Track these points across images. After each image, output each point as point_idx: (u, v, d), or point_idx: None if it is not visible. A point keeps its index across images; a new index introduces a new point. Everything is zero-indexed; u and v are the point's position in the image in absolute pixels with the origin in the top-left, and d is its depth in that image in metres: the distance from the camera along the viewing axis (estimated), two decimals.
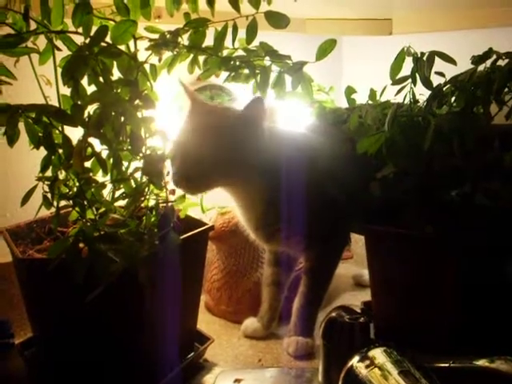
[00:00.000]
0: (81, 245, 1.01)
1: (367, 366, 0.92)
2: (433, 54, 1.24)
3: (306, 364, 1.35)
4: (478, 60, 1.23)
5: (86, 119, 1.01)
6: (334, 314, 1.13)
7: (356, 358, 0.95)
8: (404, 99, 1.29)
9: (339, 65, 2.05)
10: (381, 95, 1.38)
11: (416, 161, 1.29)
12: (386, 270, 1.33)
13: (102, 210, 1.12)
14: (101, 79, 1.04)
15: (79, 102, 1.03)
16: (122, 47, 1.10)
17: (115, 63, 1.09)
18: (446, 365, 0.96)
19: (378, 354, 0.94)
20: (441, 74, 1.26)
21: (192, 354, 1.32)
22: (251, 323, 1.51)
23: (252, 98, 1.25)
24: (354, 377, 0.93)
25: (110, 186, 1.15)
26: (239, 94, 1.71)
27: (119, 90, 1.07)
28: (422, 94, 1.29)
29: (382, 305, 1.38)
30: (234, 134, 1.26)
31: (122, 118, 1.04)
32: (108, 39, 1.05)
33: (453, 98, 1.27)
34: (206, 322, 1.56)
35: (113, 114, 1.02)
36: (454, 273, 1.22)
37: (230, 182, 1.33)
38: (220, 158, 1.25)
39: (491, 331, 1.18)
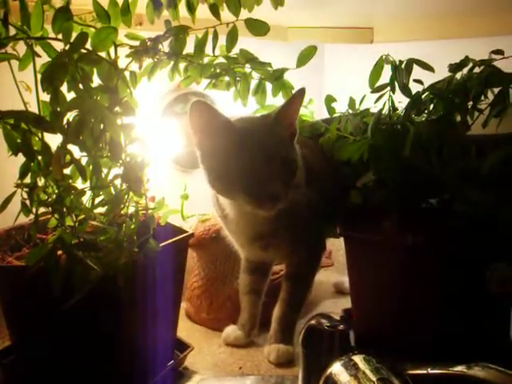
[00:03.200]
0: (59, 252, 1.00)
1: (346, 374, 0.92)
2: (411, 62, 1.25)
3: (287, 371, 1.35)
4: (455, 68, 1.24)
5: (66, 126, 1.00)
6: (313, 322, 1.13)
7: (335, 366, 0.95)
8: (383, 107, 1.30)
9: (321, 73, 2.06)
10: (360, 103, 1.39)
11: (396, 168, 1.29)
12: (365, 277, 1.34)
13: (82, 217, 1.12)
14: (80, 86, 1.04)
15: (59, 109, 1.02)
16: (103, 54, 1.10)
17: (95, 70, 1.09)
18: (424, 372, 0.96)
19: (357, 361, 0.94)
20: (419, 82, 1.27)
21: (172, 362, 1.31)
22: (232, 331, 1.51)
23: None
24: None
25: (90, 193, 1.14)
26: (220, 101, 1.71)
27: (99, 97, 1.06)
28: (401, 101, 1.30)
29: (362, 312, 1.38)
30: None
31: (102, 125, 1.03)
32: (89, 46, 1.05)
33: (431, 106, 1.28)
34: (186, 330, 1.56)
35: (92, 120, 1.01)
36: (433, 281, 1.23)
37: None
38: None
39: (471, 338, 1.19)
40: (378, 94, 1.32)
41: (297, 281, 1.46)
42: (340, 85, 1.52)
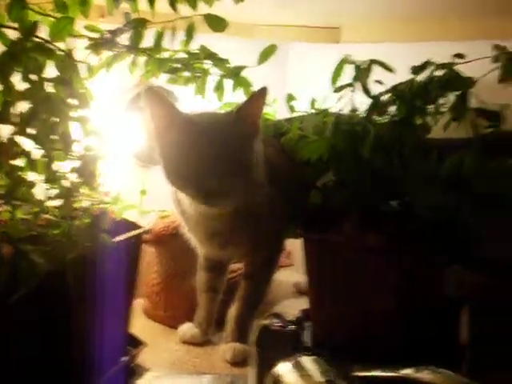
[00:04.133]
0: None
1: (292, 375, 0.91)
2: (371, 62, 1.25)
3: (243, 371, 1.34)
4: (416, 70, 1.24)
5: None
6: (266, 322, 1.12)
7: (283, 366, 0.94)
8: (343, 107, 1.29)
9: (284, 73, 2.05)
10: (322, 103, 1.39)
11: (356, 169, 1.29)
12: (324, 278, 1.33)
13: (35, 210, 1.10)
14: (33, 76, 1.02)
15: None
16: (62, 45, 1.08)
17: (52, 61, 1.07)
18: (373, 374, 0.96)
19: (305, 362, 0.93)
20: (380, 83, 1.27)
21: (124, 358, 1.30)
22: (188, 328, 1.50)
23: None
24: None
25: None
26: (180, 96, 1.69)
27: (53, 89, 1.04)
28: (363, 102, 1.30)
29: (320, 313, 1.38)
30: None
31: (55, 118, 1.02)
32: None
33: (393, 108, 1.28)
34: (143, 327, 1.54)
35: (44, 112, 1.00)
36: (392, 283, 1.23)
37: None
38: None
39: (426, 341, 1.19)
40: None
41: (255, 280, 1.45)
42: (306, 84, 1.51)
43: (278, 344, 1.08)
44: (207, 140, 1.21)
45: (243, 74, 1.28)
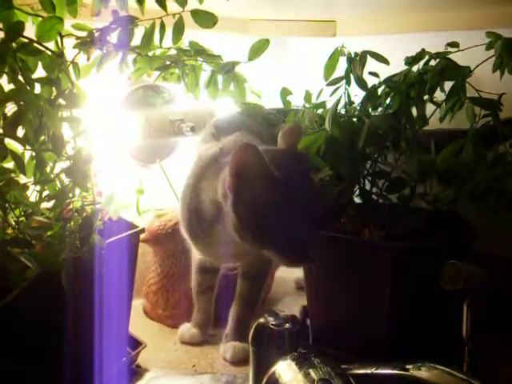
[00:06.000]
0: None
1: (288, 373, 0.90)
2: (365, 54, 1.24)
3: (241, 370, 1.33)
4: (411, 61, 1.23)
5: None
6: (262, 320, 1.11)
7: (278, 365, 0.93)
8: (339, 100, 1.28)
9: (285, 67, 2.03)
10: (318, 97, 1.37)
11: (353, 161, 1.28)
12: (321, 274, 1.32)
13: (26, 212, 1.09)
14: (20, 77, 1.01)
15: None
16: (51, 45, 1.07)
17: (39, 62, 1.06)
18: (369, 371, 0.95)
19: (301, 361, 0.92)
20: (375, 75, 1.25)
21: (123, 359, 1.29)
22: (187, 329, 1.49)
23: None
24: (275, 383, 0.91)
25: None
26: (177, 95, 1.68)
27: (41, 89, 1.03)
28: (357, 94, 1.29)
29: (318, 309, 1.37)
30: None
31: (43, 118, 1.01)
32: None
33: (388, 100, 1.27)
34: (142, 327, 1.53)
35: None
36: (389, 277, 1.21)
37: None
38: None
39: (424, 337, 1.18)
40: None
41: (252, 279, 1.44)
42: (305, 79, 1.49)
43: (274, 342, 1.07)
44: (297, 199, 1.15)
45: (239, 69, 1.27)
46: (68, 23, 1.12)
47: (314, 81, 1.35)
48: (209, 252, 1.36)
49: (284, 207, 1.13)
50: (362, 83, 1.25)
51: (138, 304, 1.61)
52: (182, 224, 1.36)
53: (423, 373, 0.91)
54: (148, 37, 1.14)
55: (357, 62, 1.24)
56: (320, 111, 1.35)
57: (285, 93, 1.38)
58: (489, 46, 1.16)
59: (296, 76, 1.95)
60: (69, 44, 1.12)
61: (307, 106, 1.37)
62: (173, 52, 1.22)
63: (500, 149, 1.19)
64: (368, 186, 1.34)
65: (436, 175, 1.30)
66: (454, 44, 1.20)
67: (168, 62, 1.19)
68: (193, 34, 1.19)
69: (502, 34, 1.17)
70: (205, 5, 1.12)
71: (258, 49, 1.20)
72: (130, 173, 1.68)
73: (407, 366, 0.94)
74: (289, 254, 1.14)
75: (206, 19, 1.09)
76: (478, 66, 1.18)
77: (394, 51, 1.26)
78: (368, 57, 1.26)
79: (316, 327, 1.36)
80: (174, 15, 1.11)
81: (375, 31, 1.80)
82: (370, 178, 1.33)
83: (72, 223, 1.10)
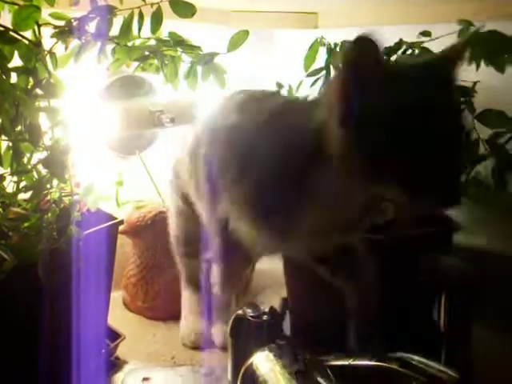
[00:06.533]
0: None
1: (265, 365, 0.90)
2: (344, 44, 1.24)
3: (222, 361, 1.32)
4: (389, 51, 1.23)
5: None
6: (240, 312, 1.11)
7: (256, 356, 0.94)
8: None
9: (272, 60, 2.02)
10: (297, 89, 1.37)
11: None
12: (299, 266, 1.32)
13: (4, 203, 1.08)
14: None
15: None
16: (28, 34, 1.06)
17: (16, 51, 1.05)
18: (346, 363, 0.95)
19: (278, 352, 0.92)
20: None
21: (102, 351, 1.28)
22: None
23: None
24: (252, 374, 0.91)
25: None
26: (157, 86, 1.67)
27: (17, 79, 1.02)
28: None
29: (298, 301, 1.37)
30: None
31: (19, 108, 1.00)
32: None
33: None
34: (121, 319, 1.53)
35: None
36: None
37: None
38: None
39: (402, 328, 1.18)
40: None
41: None
42: (291, 71, 1.48)
43: (252, 334, 1.07)
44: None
45: (223, 61, 1.26)
46: (46, 12, 1.10)
47: (299, 73, 1.36)
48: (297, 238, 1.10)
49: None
50: None
51: (117, 296, 1.60)
52: (244, 211, 1.12)
53: (400, 364, 0.92)
54: (126, 26, 1.13)
55: (336, 52, 1.24)
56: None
57: (277, 86, 1.38)
58: (460, 34, 1.16)
59: (282, 68, 1.95)
60: (46, 33, 1.10)
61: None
62: (152, 42, 1.21)
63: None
64: None
65: None
66: (425, 33, 1.21)
67: (147, 53, 1.18)
68: (174, 24, 1.18)
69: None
70: None
71: (237, 40, 1.19)
72: (110, 164, 1.67)
73: (384, 358, 0.95)
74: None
75: (184, 9, 1.08)
76: None
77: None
78: None
79: (295, 319, 1.36)
80: (152, 5, 1.10)
81: (357, 23, 1.80)
82: None
83: (49, 214, 1.09)
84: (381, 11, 1.74)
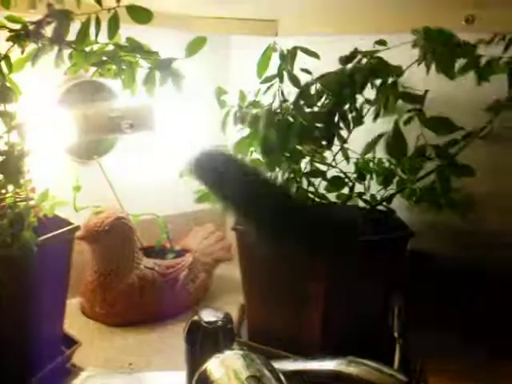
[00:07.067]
0: None
1: (218, 371, 0.90)
2: (295, 49, 1.25)
3: (179, 368, 1.31)
4: (344, 60, 1.24)
5: None
6: (196, 318, 1.10)
7: (210, 362, 0.93)
8: (274, 99, 1.29)
9: (227, 66, 2.03)
10: (256, 96, 1.37)
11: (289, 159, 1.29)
12: (257, 271, 1.33)
13: None
14: None
15: None
16: None
17: None
18: (300, 368, 0.96)
19: (232, 358, 0.92)
20: (306, 71, 1.26)
21: (58, 358, 1.27)
22: None
23: None
24: (205, 380, 0.91)
25: None
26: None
27: None
28: (292, 93, 1.29)
29: (254, 307, 1.37)
30: None
31: None
32: None
33: (324, 98, 1.28)
34: (79, 326, 1.51)
35: None
36: (323, 275, 1.22)
37: None
38: None
39: (356, 333, 1.20)
40: None
41: None
42: (248, 78, 1.49)
43: (207, 340, 1.07)
44: None
45: (177, 66, 1.26)
46: (1, 15, 1.09)
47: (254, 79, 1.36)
48: None
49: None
50: (294, 79, 1.26)
51: (75, 302, 1.58)
52: None
53: (352, 369, 0.93)
54: (84, 31, 1.12)
55: (289, 58, 1.25)
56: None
57: (219, 92, 1.38)
58: (415, 44, 1.18)
59: (240, 74, 1.96)
60: (1, 37, 1.10)
61: (241, 105, 1.37)
62: (110, 48, 1.21)
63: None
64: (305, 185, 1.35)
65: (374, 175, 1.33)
66: (381, 42, 1.23)
67: (105, 58, 1.18)
68: (136, 30, 1.17)
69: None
70: (147, 1, 1.11)
71: (195, 46, 1.19)
72: (68, 170, 1.65)
73: (335, 362, 0.95)
74: None
75: (141, 15, 1.08)
76: (408, 66, 1.20)
77: (333, 51, 1.27)
78: (305, 57, 1.27)
79: (252, 325, 1.36)
80: (108, 10, 1.09)
81: (317, 30, 1.81)
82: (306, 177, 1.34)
83: (4, 220, 1.09)
84: (340, 20, 1.76)
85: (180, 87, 1.23)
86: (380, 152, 1.27)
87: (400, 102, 1.19)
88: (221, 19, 1.87)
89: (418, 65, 1.18)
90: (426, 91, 1.18)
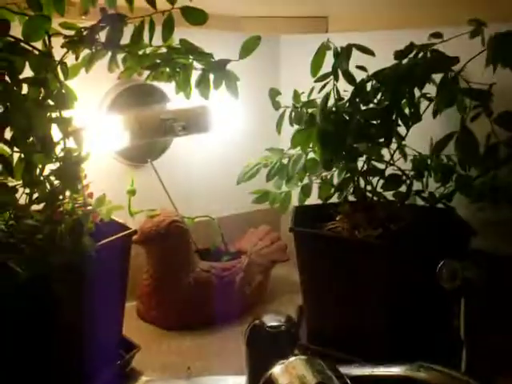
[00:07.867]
0: None
1: (285, 377, 0.88)
2: (350, 47, 1.23)
3: (239, 372, 1.30)
4: (400, 55, 1.21)
5: None
6: (257, 321, 1.09)
7: (275, 368, 0.91)
8: (328, 95, 1.27)
9: (277, 66, 2.01)
10: (309, 95, 1.35)
11: (344, 155, 1.27)
12: (315, 273, 1.31)
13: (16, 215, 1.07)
14: (7, 78, 0.98)
15: None
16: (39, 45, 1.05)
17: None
18: (367, 373, 0.93)
19: (298, 363, 0.90)
20: (362, 69, 1.24)
21: (117, 362, 1.27)
22: None
23: None
24: None
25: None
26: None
27: (28, 90, 1.01)
28: (347, 90, 1.27)
29: (314, 309, 1.36)
30: None
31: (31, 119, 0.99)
32: None
33: (379, 95, 1.25)
34: (135, 329, 1.51)
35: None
36: (384, 276, 1.20)
37: None
38: None
39: (422, 336, 1.17)
40: None
41: None
42: (298, 77, 1.47)
43: (269, 344, 1.05)
44: None
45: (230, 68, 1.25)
46: (56, 22, 1.10)
47: (306, 78, 1.34)
48: None
49: None
50: (349, 77, 1.24)
51: (131, 306, 1.58)
52: None
53: (422, 374, 0.90)
54: (137, 35, 1.12)
55: (344, 56, 1.23)
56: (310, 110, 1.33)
57: (274, 93, 1.36)
58: (472, 34, 1.15)
59: (291, 74, 1.94)
60: (57, 43, 1.10)
61: (297, 105, 1.36)
62: (163, 50, 1.20)
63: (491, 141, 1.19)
64: (362, 184, 1.33)
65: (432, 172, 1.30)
66: (437, 34, 1.19)
67: (158, 61, 1.17)
68: (185, 32, 1.17)
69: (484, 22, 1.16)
70: (195, 2, 1.10)
71: (250, 46, 1.18)
72: (122, 173, 1.66)
73: (404, 367, 0.93)
74: None
75: (195, 16, 1.07)
76: (471, 59, 1.17)
77: (386, 47, 1.24)
78: (358, 53, 1.25)
79: (312, 327, 1.35)
80: (163, 12, 1.09)
81: (367, 27, 1.78)
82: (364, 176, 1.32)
83: (63, 226, 1.09)
84: (391, 15, 1.73)
85: (234, 89, 1.22)
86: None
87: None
88: (270, 18, 1.86)
89: (487, 65, 1.13)
90: (491, 85, 1.15)
